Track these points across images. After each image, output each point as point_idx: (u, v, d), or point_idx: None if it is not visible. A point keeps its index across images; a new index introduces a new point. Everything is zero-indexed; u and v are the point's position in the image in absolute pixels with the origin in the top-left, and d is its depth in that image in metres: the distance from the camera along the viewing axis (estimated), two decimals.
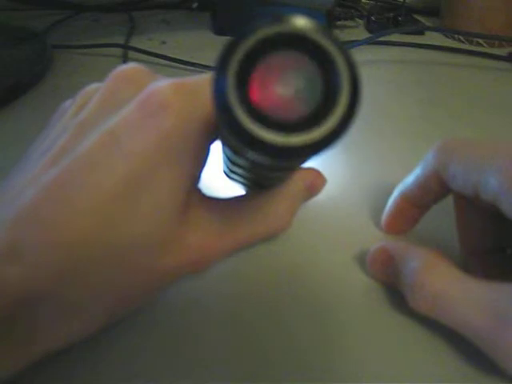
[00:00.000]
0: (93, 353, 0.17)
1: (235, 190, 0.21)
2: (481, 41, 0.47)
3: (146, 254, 0.14)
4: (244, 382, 0.16)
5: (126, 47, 0.45)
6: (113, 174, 0.13)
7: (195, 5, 0.59)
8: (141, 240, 0.13)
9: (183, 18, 0.58)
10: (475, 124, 0.33)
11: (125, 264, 0.13)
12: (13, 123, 0.33)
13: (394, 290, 0.19)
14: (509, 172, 0.15)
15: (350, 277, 0.20)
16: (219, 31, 0.50)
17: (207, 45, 0.47)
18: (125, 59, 0.43)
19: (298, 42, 0.10)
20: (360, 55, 0.43)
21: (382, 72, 0.42)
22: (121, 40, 0.47)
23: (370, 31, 0.52)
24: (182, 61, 0.42)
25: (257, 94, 0.10)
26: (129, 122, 0.13)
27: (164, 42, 0.49)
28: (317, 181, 0.19)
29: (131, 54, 0.44)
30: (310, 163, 0.15)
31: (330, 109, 0.10)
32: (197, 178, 0.16)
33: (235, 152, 0.15)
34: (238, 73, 0.10)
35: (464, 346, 0.16)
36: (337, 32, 0.52)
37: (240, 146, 0.11)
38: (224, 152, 0.17)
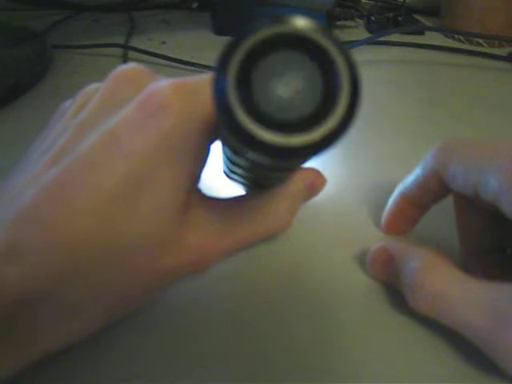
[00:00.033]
0: (93, 353, 0.17)
1: (235, 189, 0.21)
2: (481, 41, 0.47)
3: (146, 254, 0.14)
4: (244, 382, 0.16)
5: (125, 47, 0.45)
6: (113, 174, 0.13)
7: (195, 5, 0.59)
8: (141, 240, 0.13)
9: (183, 18, 0.58)
10: (475, 124, 0.33)
11: (125, 264, 0.13)
12: (13, 123, 0.33)
13: (394, 289, 0.19)
14: (509, 172, 0.15)
15: (350, 277, 0.20)
16: (219, 31, 0.50)
17: (207, 45, 0.47)
18: (125, 59, 0.43)
19: (297, 42, 0.10)
20: (360, 55, 0.43)
21: (382, 72, 0.42)
22: (121, 40, 0.47)
23: (370, 31, 0.52)
24: (182, 61, 0.42)
25: (257, 94, 0.10)
26: (129, 121, 0.13)
27: (164, 42, 0.49)
28: (317, 181, 0.19)
29: (131, 53, 0.44)
30: (310, 163, 0.15)
31: (329, 109, 0.10)
32: (197, 177, 0.16)
33: (235, 152, 0.15)
34: (238, 73, 0.10)
35: (464, 346, 0.16)
36: (337, 32, 0.52)
37: (240, 146, 0.11)
38: (224, 152, 0.17)
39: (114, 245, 0.13)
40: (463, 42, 0.48)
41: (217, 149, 0.16)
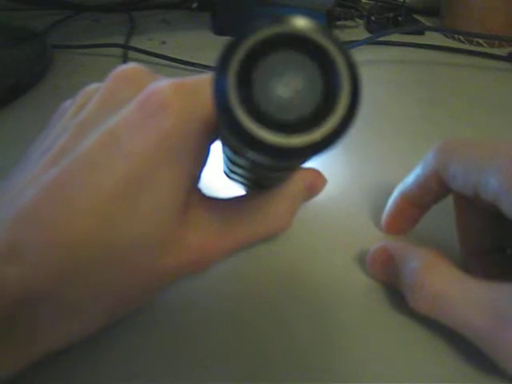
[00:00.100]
0: (93, 353, 0.17)
1: (235, 189, 0.21)
2: (481, 41, 0.47)
3: (146, 254, 0.14)
4: (244, 382, 0.16)
5: (126, 47, 0.45)
6: (113, 174, 0.13)
7: (195, 5, 0.59)
8: (141, 240, 0.13)
9: (183, 18, 0.58)
10: (475, 124, 0.33)
11: (125, 264, 0.13)
12: (13, 123, 0.33)
13: (394, 289, 0.19)
14: (509, 172, 0.15)
15: (350, 277, 0.20)
16: (219, 31, 0.50)
17: (207, 45, 0.47)
18: (125, 59, 0.43)
19: (297, 42, 0.10)
20: (360, 55, 0.43)
21: (382, 72, 0.42)
22: (121, 40, 0.47)
23: (370, 31, 0.52)
24: (182, 61, 0.42)
25: (257, 94, 0.10)
26: (129, 121, 0.13)
27: (164, 42, 0.49)
28: (317, 181, 0.19)
29: (131, 53, 0.44)
30: (310, 163, 0.15)
31: (330, 109, 0.10)
32: (197, 177, 0.16)
33: (235, 152, 0.15)
34: (238, 73, 0.10)
35: (464, 346, 0.16)
36: (337, 32, 0.52)
37: (240, 146, 0.11)
38: (224, 152, 0.17)
39: (113, 245, 0.13)
40: (463, 41, 0.48)
41: (217, 149, 0.16)
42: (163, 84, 0.13)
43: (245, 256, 0.21)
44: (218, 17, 0.50)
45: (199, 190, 0.16)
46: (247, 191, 0.21)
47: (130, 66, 0.15)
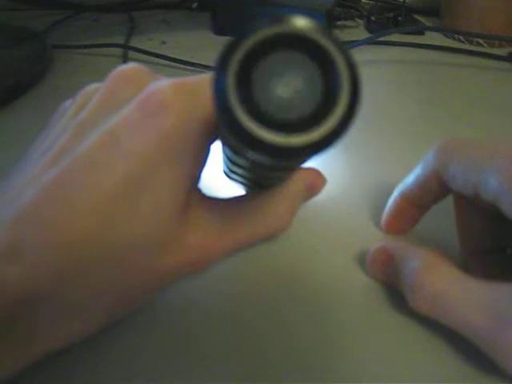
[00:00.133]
0: (93, 353, 0.17)
1: (235, 189, 0.21)
2: (481, 41, 0.47)
3: (146, 253, 0.14)
4: (244, 382, 0.16)
5: (126, 47, 0.45)
6: (113, 174, 0.13)
7: (195, 5, 0.59)
8: (141, 240, 0.13)
9: (183, 18, 0.58)
10: (475, 124, 0.33)
11: (125, 264, 0.13)
12: (13, 123, 0.33)
13: (394, 289, 0.19)
14: (509, 172, 0.15)
15: (350, 277, 0.20)
16: (219, 31, 0.50)
17: (207, 45, 0.47)
18: (125, 59, 0.43)
19: (297, 42, 0.10)
20: (360, 55, 0.43)
21: (382, 72, 0.42)
22: (121, 40, 0.47)
23: (370, 31, 0.52)
24: (182, 61, 0.42)
25: (257, 94, 0.10)
26: (129, 121, 0.13)
27: (164, 42, 0.49)
28: (317, 181, 0.19)
29: (131, 53, 0.44)
30: (310, 163, 0.15)
31: (330, 109, 0.10)
32: (197, 178, 0.16)
33: (235, 152, 0.15)
34: (238, 73, 0.10)
35: (464, 346, 0.16)
36: (337, 32, 0.52)
37: (240, 145, 0.11)
38: (224, 152, 0.17)
39: (113, 245, 0.13)
40: (463, 41, 0.48)
41: (217, 149, 0.16)
42: (163, 84, 0.13)
43: (245, 256, 0.21)
44: (218, 17, 0.50)
45: (199, 190, 0.16)
46: (247, 191, 0.21)
47: (130, 66, 0.15)
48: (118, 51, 0.44)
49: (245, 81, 0.10)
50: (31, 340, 0.13)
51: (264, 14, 0.10)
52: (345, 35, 0.51)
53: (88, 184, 0.13)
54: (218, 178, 0.23)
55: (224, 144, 0.16)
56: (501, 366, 0.15)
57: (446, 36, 0.50)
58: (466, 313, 0.15)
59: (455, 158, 0.17)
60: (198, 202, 0.16)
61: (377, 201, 0.24)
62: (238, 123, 0.10)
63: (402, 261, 0.18)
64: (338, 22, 0.53)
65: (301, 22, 0.10)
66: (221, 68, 0.10)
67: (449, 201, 0.20)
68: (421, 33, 0.51)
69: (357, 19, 0.55)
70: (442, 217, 0.21)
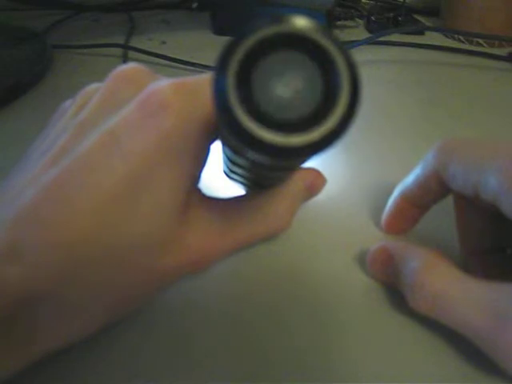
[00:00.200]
0: (93, 353, 0.17)
1: (235, 189, 0.21)
2: (481, 41, 0.47)
3: (145, 254, 0.14)
4: (244, 382, 0.16)
5: (126, 47, 0.45)
6: (113, 174, 0.13)
7: (195, 5, 0.59)
8: (141, 240, 0.13)
9: (183, 18, 0.58)
10: (475, 124, 0.33)
11: (125, 264, 0.13)
12: (13, 123, 0.33)
13: (394, 289, 0.19)
14: (509, 172, 0.15)
15: (350, 277, 0.20)
16: (219, 31, 0.50)
17: (207, 45, 0.47)
18: (125, 59, 0.43)
19: (297, 41, 0.10)
20: (360, 55, 0.43)
21: (382, 72, 0.42)
22: (121, 40, 0.47)
23: (370, 31, 0.52)
24: (182, 61, 0.42)
25: (257, 94, 0.10)
26: (129, 121, 0.13)
27: (164, 42, 0.49)
28: (317, 181, 0.19)
29: (131, 53, 0.44)
30: (310, 163, 0.15)
31: (329, 109, 0.10)
32: (197, 177, 0.16)
33: (235, 152, 0.15)
34: (238, 73, 0.10)
35: (464, 346, 0.16)
36: (337, 32, 0.52)
37: (240, 145, 0.11)
38: (224, 152, 0.17)
39: (113, 245, 0.13)
40: (463, 41, 0.48)
41: (217, 149, 0.16)
42: (163, 84, 0.13)
43: (245, 256, 0.21)
44: (218, 17, 0.50)
45: (199, 190, 0.16)
46: (247, 191, 0.21)
47: (130, 65, 0.15)
48: (118, 51, 0.44)
49: (245, 81, 0.10)
50: (31, 340, 0.13)
51: (264, 13, 0.10)
52: (345, 35, 0.51)
53: (88, 184, 0.13)
54: (218, 178, 0.23)
55: (224, 144, 0.16)
56: (501, 366, 0.15)
57: (446, 36, 0.50)
58: (466, 313, 0.15)
59: (455, 158, 0.17)
60: (198, 202, 0.16)
61: (377, 201, 0.24)
62: (238, 123, 0.10)
63: (402, 261, 0.18)
64: (338, 22, 0.53)
65: (301, 22, 0.10)
66: (221, 68, 0.10)
67: (449, 201, 0.20)
68: (421, 33, 0.50)
69: (357, 19, 0.55)
70: (442, 217, 0.21)
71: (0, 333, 0.12)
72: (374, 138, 0.31)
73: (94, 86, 0.16)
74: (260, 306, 0.19)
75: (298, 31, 0.10)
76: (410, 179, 0.20)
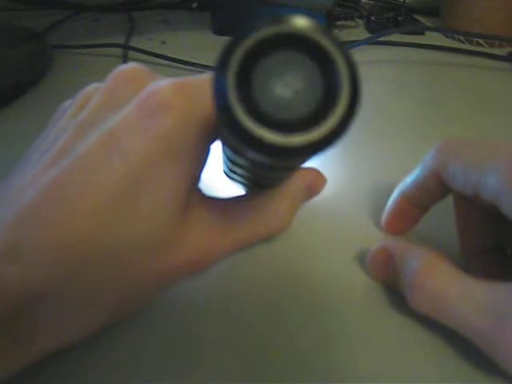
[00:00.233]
0: (93, 353, 0.17)
1: (235, 189, 0.21)
2: (481, 41, 0.47)
3: (145, 254, 0.14)
4: (244, 382, 0.16)
5: (126, 47, 0.45)
6: (113, 174, 0.13)
7: (195, 5, 0.58)
8: (141, 240, 0.13)
9: (183, 18, 0.58)
10: (475, 124, 0.33)
11: (125, 264, 0.13)
12: (13, 123, 0.33)
13: (394, 289, 0.19)
14: (509, 172, 0.15)
15: (350, 277, 0.20)
16: (219, 31, 0.50)
17: (207, 45, 0.47)
18: (125, 59, 0.43)
19: (297, 41, 0.10)
20: (360, 55, 0.43)
21: (382, 72, 0.42)
22: (121, 40, 0.47)
23: (370, 31, 0.52)
24: (182, 61, 0.42)
25: (257, 94, 0.10)
26: (129, 121, 0.13)
27: (164, 42, 0.49)
28: (317, 181, 0.19)
29: (131, 53, 0.44)
30: (310, 163, 0.15)
31: (329, 109, 0.10)
32: (197, 177, 0.16)
33: (235, 152, 0.15)
34: (238, 73, 0.10)
35: (464, 346, 0.16)
36: (337, 32, 0.52)
37: (240, 145, 0.11)
38: (224, 152, 0.17)
39: (113, 245, 0.13)
40: (463, 42, 0.48)
41: (217, 149, 0.16)
42: (163, 84, 0.13)
43: (245, 256, 0.21)
44: (218, 17, 0.50)
45: (199, 190, 0.16)
46: (247, 191, 0.21)
47: (130, 65, 0.15)
48: (118, 51, 0.44)
49: (245, 81, 0.10)
50: (31, 340, 0.13)
51: (264, 13, 0.10)
52: (345, 35, 0.51)
53: (88, 184, 0.13)
54: (218, 178, 0.23)
55: (224, 144, 0.16)
56: (501, 366, 0.15)
57: (446, 36, 0.50)
58: (466, 313, 0.15)
59: (455, 158, 0.17)
60: (198, 201, 0.16)
61: (377, 201, 0.24)
62: (238, 123, 0.10)
63: (402, 261, 0.18)
64: (338, 22, 0.53)
65: (301, 22, 0.10)
66: (221, 68, 0.10)
67: (449, 201, 0.20)
68: (421, 33, 0.50)
69: (357, 19, 0.55)
70: (442, 217, 0.21)
71: (0, 333, 0.12)
72: (373, 138, 0.31)
73: (93, 85, 0.16)
74: (260, 306, 0.19)
75: (298, 31, 0.10)
76: (409, 179, 0.20)
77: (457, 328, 0.16)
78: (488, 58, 0.44)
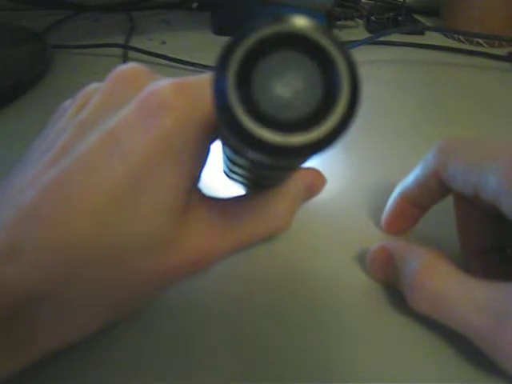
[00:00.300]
0: (93, 353, 0.17)
1: (235, 189, 0.21)
2: (481, 41, 0.47)
3: (145, 254, 0.14)
4: (244, 382, 0.16)
5: (126, 47, 0.45)
6: (113, 174, 0.13)
7: (195, 5, 0.58)
8: (141, 240, 0.13)
9: (183, 18, 0.58)
10: (475, 124, 0.33)
11: (125, 264, 0.13)
12: (13, 123, 0.33)
13: (394, 289, 0.19)
14: (509, 172, 0.15)
15: (350, 277, 0.20)
16: (219, 31, 0.50)
17: (207, 45, 0.47)
18: (125, 59, 0.43)
19: (297, 41, 0.10)
20: (360, 55, 0.43)
21: (382, 72, 0.42)
22: (121, 40, 0.47)
23: (370, 31, 0.52)
24: (182, 61, 0.42)
25: (257, 94, 0.10)
26: (129, 121, 0.13)
27: (164, 42, 0.49)
28: (317, 181, 0.19)
29: (131, 53, 0.44)
30: (310, 163, 0.15)
31: (329, 109, 0.10)
32: (197, 177, 0.16)
33: (235, 152, 0.15)
34: (237, 73, 0.10)
35: (464, 346, 0.16)
36: (337, 32, 0.52)
37: (240, 145, 0.11)
38: (224, 152, 0.17)
39: (113, 245, 0.13)
40: (463, 41, 0.48)
41: (217, 149, 0.16)
42: (163, 84, 0.13)
43: (245, 256, 0.21)
44: (218, 17, 0.50)
45: (199, 190, 0.16)
46: (247, 191, 0.21)
47: (130, 65, 0.15)
48: (118, 51, 0.44)
49: (245, 81, 0.10)
50: (31, 340, 0.13)
51: (264, 13, 0.10)
52: (345, 35, 0.51)
53: (88, 184, 0.13)
54: (218, 178, 0.23)
55: (224, 144, 0.16)
56: (501, 366, 0.15)
57: (446, 36, 0.50)
58: (466, 313, 0.15)
59: (455, 158, 0.17)
60: (198, 201, 0.16)
61: (377, 201, 0.24)
62: (238, 123, 0.10)
63: (402, 261, 0.18)
64: (338, 22, 0.53)
65: (300, 22, 0.10)
66: (221, 68, 0.10)
67: (449, 201, 0.20)
68: (421, 33, 0.50)
69: (357, 19, 0.55)
70: (442, 217, 0.21)
71: (0, 333, 0.12)
72: (374, 138, 0.31)
73: (93, 85, 0.16)
74: (260, 306, 0.19)
75: (298, 31, 0.10)
76: (409, 179, 0.20)
77: (457, 328, 0.16)
78: (488, 57, 0.44)
